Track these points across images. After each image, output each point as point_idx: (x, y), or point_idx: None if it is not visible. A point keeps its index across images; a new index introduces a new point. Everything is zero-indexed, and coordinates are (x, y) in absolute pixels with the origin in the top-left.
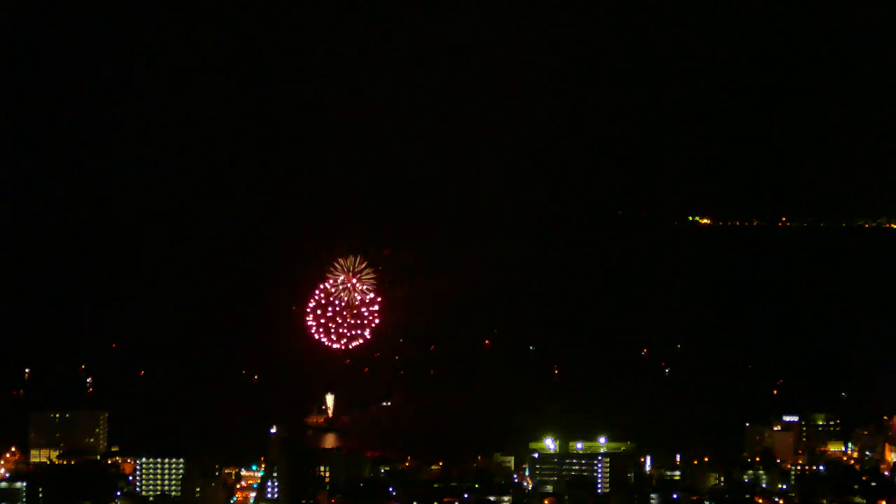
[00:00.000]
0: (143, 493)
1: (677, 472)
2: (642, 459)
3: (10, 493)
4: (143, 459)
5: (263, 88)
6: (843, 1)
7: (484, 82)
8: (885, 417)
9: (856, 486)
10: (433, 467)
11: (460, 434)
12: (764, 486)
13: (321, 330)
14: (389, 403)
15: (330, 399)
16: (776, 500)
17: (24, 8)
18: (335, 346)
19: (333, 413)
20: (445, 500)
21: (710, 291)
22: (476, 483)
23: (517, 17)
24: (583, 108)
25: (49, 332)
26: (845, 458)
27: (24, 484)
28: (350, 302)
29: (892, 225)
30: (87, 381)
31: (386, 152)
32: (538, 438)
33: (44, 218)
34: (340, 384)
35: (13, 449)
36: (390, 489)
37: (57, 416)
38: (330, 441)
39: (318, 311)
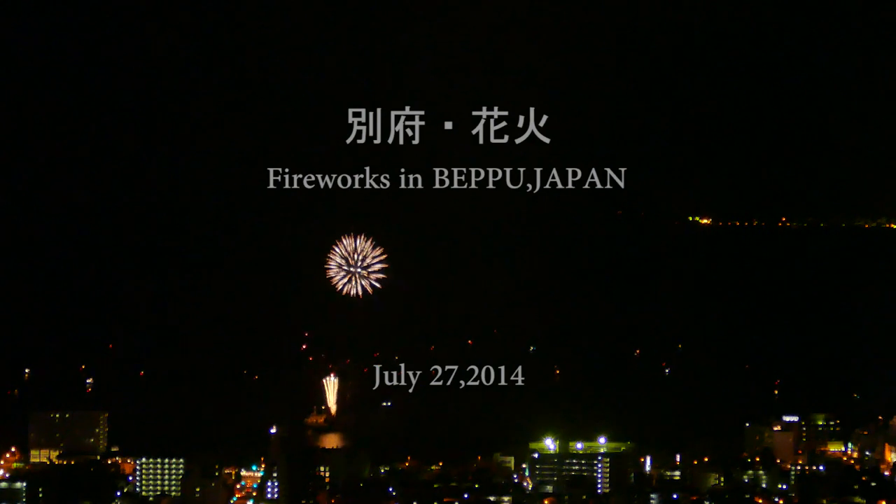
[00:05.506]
0: (143, 493)
1: (677, 472)
2: (642, 459)
3: (10, 493)
4: (143, 459)
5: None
6: (843, 1)
7: (479, 80)
8: (881, 417)
9: (856, 486)
10: (433, 467)
11: (460, 434)
12: (764, 486)
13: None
14: (390, 403)
15: (331, 388)
16: (776, 500)
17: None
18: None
19: (336, 412)
20: (445, 500)
21: (710, 291)
22: (476, 483)
23: (518, 14)
24: (582, 107)
25: (49, 332)
26: (845, 458)
27: (24, 484)
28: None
29: (892, 225)
30: (88, 381)
31: (384, 151)
32: (538, 438)
33: (43, 217)
34: (341, 379)
35: (13, 449)
36: (390, 489)
37: (57, 416)
38: (330, 441)
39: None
